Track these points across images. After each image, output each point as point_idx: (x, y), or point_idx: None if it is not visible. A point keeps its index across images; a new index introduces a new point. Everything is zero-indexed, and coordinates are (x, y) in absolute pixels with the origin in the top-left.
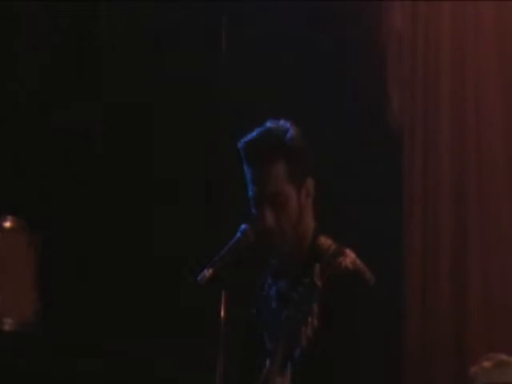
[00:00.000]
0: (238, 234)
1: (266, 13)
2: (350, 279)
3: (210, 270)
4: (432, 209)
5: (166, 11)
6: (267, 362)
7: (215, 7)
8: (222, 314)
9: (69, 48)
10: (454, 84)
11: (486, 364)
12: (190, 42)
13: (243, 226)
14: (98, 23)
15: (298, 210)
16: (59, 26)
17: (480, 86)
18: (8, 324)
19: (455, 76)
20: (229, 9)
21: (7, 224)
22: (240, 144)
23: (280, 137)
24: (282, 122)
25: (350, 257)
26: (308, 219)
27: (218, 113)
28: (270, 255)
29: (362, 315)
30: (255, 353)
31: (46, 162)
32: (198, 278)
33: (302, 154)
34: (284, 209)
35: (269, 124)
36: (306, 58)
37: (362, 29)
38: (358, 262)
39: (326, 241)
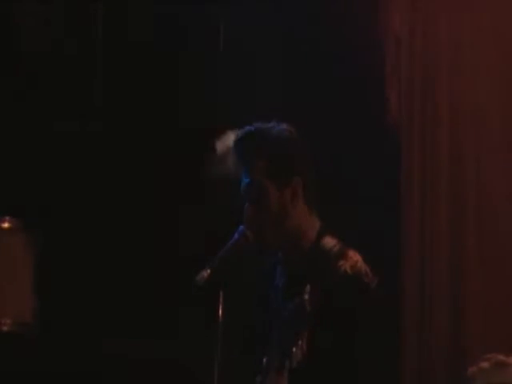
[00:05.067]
0: (236, 235)
1: (265, 13)
2: (348, 285)
3: (209, 271)
4: (430, 208)
5: (165, 11)
6: (264, 361)
7: (214, 7)
8: (220, 314)
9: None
10: (452, 83)
11: (484, 364)
12: (190, 42)
13: (241, 227)
14: (95, 23)
15: (279, 207)
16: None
17: (478, 86)
18: (6, 325)
19: (453, 76)
20: (228, 9)
21: (5, 225)
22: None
23: (264, 133)
24: (274, 122)
25: (351, 260)
26: (300, 218)
27: (217, 113)
28: (259, 252)
29: (360, 321)
30: (254, 352)
31: (46, 161)
32: (197, 279)
33: (288, 153)
34: (262, 204)
35: (259, 123)
36: (305, 58)
37: (361, 29)
38: (360, 264)
39: (330, 241)
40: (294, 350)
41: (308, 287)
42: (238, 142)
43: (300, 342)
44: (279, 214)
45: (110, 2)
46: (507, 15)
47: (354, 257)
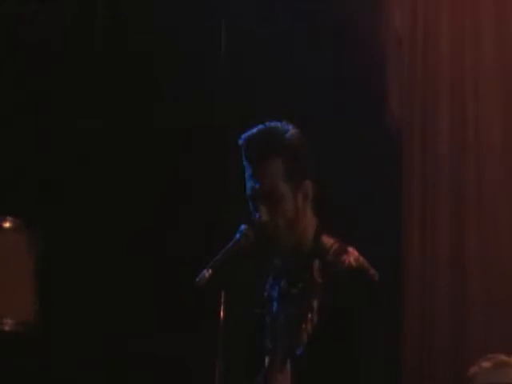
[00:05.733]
0: (238, 235)
1: (265, 13)
2: (355, 276)
3: (210, 271)
4: (431, 208)
5: (165, 11)
6: (267, 361)
7: (215, 7)
8: (222, 314)
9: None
10: (453, 83)
11: (485, 364)
12: (190, 42)
13: (243, 227)
14: (96, 23)
15: (293, 209)
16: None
17: (479, 85)
18: (8, 324)
19: (454, 75)
20: (229, 9)
21: (6, 224)
22: (240, 140)
23: (279, 135)
24: (283, 123)
25: (353, 254)
26: (306, 221)
27: (217, 113)
28: (269, 255)
29: (366, 312)
30: (255, 352)
31: (46, 161)
32: (198, 279)
33: (301, 156)
34: (278, 206)
35: (270, 123)
36: (305, 58)
37: (362, 29)
38: (362, 259)
39: (328, 240)
40: (304, 326)
41: (317, 262)
42: (252, 140)
43: (309, 315)
44: (293, 217)
45: (111, 2)
46: (509, 13)
47: (355, 252)
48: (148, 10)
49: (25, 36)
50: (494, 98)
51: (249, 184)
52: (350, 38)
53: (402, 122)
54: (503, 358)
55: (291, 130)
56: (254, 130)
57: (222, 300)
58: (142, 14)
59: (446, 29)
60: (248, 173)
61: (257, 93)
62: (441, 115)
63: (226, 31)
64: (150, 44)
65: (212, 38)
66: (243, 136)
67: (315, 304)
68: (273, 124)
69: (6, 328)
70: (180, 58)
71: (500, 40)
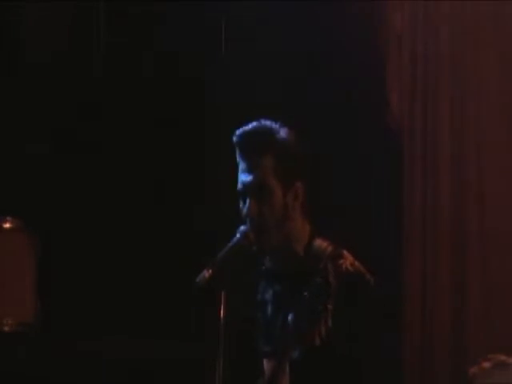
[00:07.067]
0: (238, 235)
1: (266, 13)
2: (353, 281)
3: (210, 271)
4: (432, 209)
5: (165, 11)
6: (265, 364)
7: (215, 7)
8: (222, 314)
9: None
10: (454, 84)
11: (486, 365)
12: (191, 41)
13: (242, 227)
14: (96, 23)
15: (282, 207)
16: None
17: (480, 86)
18: (8, 325)
19: (455, 76)
20: (229, 9)
21: (7, 225)
22: (234, 135)
23: (272, 131)
24: (278, 123)
25: (349, 259)
26: (297, 221)
27: (217, 113)
28: (256, 253)
29: (365, 315)
30: (253, 355)
31: (47, 161)
32: (198, 279)
33: (293, 156)
34: (267, 201)
35: (264, 121)
36: (305, 58)
37: (362, 29)
38: (357, 263)
39: (322, 243)
40: (318, 329)
41: (330, 265)
42: (246, 135)
43: (324, 319)
44: (281, 215)
45: (111, 3)
46: (509, 14)
47: (350, 256)
48: (148, 9)
49: (25, 36)
50: (495, 98)
51: (240, 179)
52: (351, 38)
53: (403, 122)
54: (503, 358)
55: (285, 130)
56: (248, 126)
57: (222, 300)
58: (142, 14)
59: (447, 29)
60: (240, 168)
61: (256, 93)
62: (441, 115)
63: (225, 31)
64: (150, 44)
65: (212, 38)
66: (237, 132)
67: (330, 308)
68: (267, 122)
69: (6, 328)
70: (180, 58)
71: (500, 39)
